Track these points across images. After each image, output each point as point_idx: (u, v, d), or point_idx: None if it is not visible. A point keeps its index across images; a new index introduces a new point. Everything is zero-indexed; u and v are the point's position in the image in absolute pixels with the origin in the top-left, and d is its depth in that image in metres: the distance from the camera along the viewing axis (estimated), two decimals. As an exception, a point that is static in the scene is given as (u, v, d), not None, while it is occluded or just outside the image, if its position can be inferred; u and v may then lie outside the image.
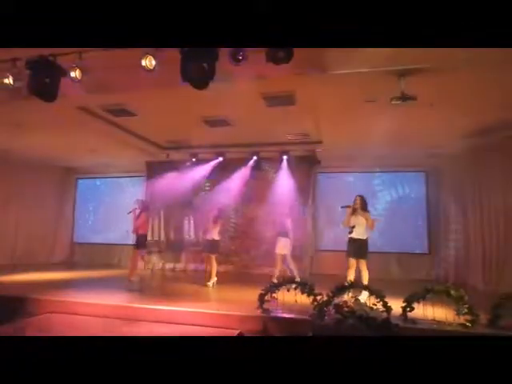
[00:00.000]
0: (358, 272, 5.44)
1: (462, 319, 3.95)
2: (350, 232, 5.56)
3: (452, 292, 4.09)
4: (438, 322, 4.07)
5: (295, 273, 6.49)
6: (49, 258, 9.78)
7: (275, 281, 5.51)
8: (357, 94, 4.98)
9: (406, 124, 6.11)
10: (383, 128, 6.02)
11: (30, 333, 4.20)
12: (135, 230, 6.89)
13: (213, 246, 6.75)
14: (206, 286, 6.57)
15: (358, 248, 5.47)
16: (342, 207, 5.78)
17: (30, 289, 5.86)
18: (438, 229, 8.31)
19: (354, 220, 5.59)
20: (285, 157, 8.53)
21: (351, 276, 5.37)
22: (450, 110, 5.42)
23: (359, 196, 5.79)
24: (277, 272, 6.55)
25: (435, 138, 6.92)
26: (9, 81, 4.38)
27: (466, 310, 3.95)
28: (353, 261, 5.49)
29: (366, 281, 5.27)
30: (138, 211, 6.94)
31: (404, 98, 4.36)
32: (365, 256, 5.47)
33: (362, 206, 5.64)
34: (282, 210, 7.27)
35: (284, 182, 8.68)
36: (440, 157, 7.99)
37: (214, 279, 6.69)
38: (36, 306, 4.97)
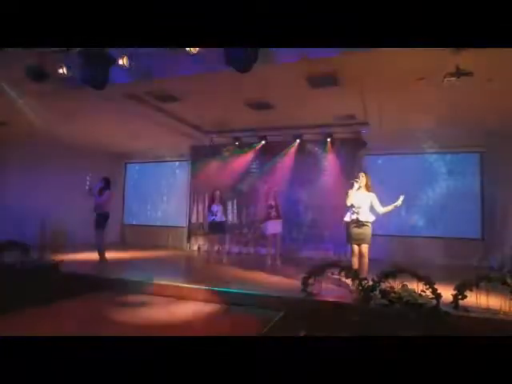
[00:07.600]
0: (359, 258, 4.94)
1: (518, 309, 3.75)
2: (353, 213, 4.97)
3: (508, 280, 3.87)
4: (492, 311, 3.88)
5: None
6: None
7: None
8: (406, 72, 4.71)
9: (460, 101, 5.71)
10: (435, 107, 5.68)
11: (88, 308, 4.52)
12: (97, 208, 6.65)
13: (222, 227, 7.50)
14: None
15: (362, 232, 4.93)
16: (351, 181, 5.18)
17: (88, 267, 6.28)
18: (494, 214, 7.81)
19: (357, 200, 5.00)
20: (329, 139, 8.36)
21: (357, 264, 4.93)
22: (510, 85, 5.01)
23: (363, 173, 5.23)
24: None
25: (492, 117, 6.44)
26: (63, 70, 4.64)
27: (524, 300, 3.73)
28: (356, 247, 5.00)
29: (366, 269, 4.86)
30: (99, 189, 6.70)
31: (459, 73, 4.07)
32: (368, 241, 4.95)
33: (366, 184, 5.07)
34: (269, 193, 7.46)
35: (328, 165, 8.53)
36: (497, 136, 7.44)
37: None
38: (94, 283, 5.30)
